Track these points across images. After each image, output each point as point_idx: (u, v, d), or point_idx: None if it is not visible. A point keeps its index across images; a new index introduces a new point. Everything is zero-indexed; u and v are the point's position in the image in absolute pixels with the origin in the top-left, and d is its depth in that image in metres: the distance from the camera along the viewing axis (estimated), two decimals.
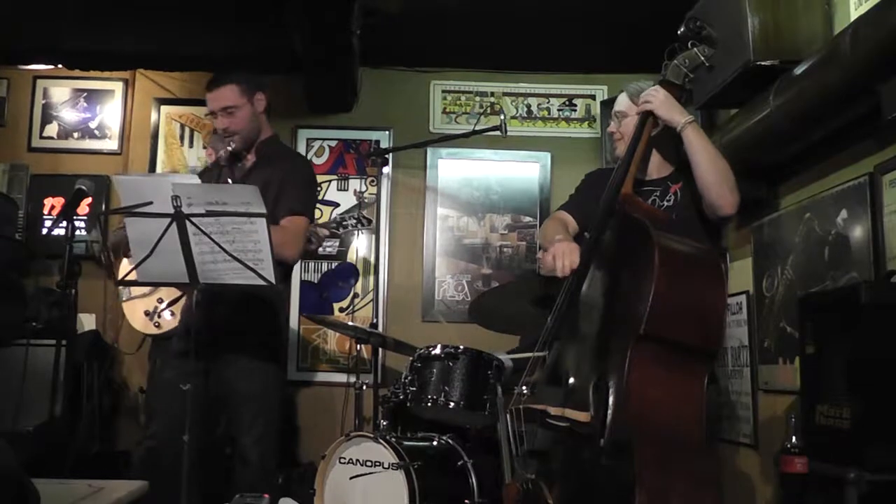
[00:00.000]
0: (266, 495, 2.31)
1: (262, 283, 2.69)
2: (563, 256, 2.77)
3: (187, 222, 2.64)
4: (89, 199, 4.71)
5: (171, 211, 2.65)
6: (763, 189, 3.99)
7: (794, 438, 1.98)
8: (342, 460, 3.94)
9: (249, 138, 3.59)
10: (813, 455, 2.08)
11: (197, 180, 2.68)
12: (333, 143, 5.66)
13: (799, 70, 3.29)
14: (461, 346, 4.03)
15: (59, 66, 5.35)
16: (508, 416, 2.76)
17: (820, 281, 3.51)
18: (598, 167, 4.52)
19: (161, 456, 3.22)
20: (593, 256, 2.77)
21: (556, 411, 2.57)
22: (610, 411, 2.41)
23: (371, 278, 5.50)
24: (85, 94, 5.61)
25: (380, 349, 4.93)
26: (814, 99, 3.22)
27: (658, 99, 2.85)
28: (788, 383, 3.64)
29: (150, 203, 2.64)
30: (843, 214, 3.40)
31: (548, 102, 5.69)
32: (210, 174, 3.66)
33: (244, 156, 3.60)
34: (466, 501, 3.86)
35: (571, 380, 2.70)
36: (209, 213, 2.62)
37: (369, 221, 4.86)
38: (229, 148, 4.06)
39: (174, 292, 4.16)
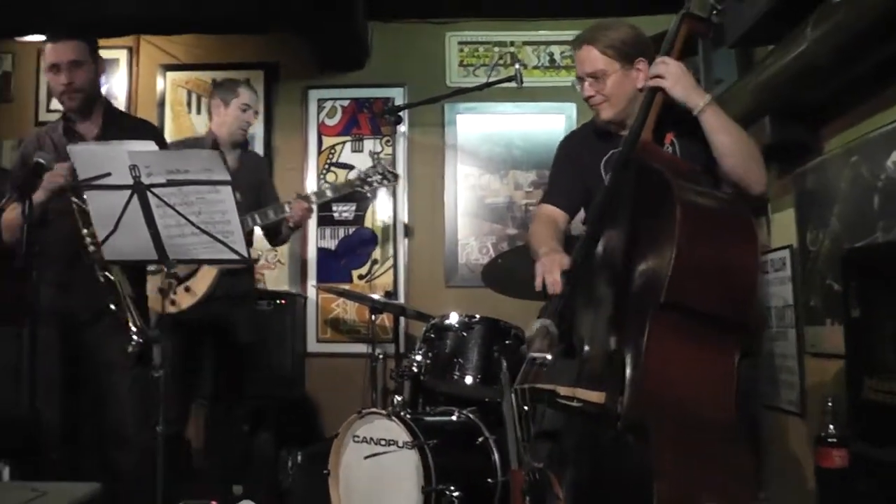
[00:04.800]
0: (213, 502, 2.07)
1: (234, 256, 2.43)
2: (544, 274, 2.57)
3: (149, 193, 2.39)
4: None
5: (131, 182, 2.40)
6: (804, 132, 3.63)
7: (830, 427, 1.66)
8: (356, 439, 3.73)
9: (91, 99, 3.35)
10: (860, 436, 1.77)
11: (155, 147, 2.42)
12: (346, 103, 5.38)
13: None
14: (477, 315, 3.77)
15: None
16: (514, 396, 2.48)
17: (869, 233, 3.16)
18: None
19: None
20: (607, 217, 2.48)
21: (566, 391, 2.28)
22: (626, 391, 2.13)
23: (391, 243, 5.24)
24: None
25: (401, 317, 4.69)
26: (856, 27, 2.86)
27: (672, 74, 2.51)
28: (837, 347, 3.28)
29: (109, 174, 2.39)
30: (893, 157, 3.04)
31: (571, 50, 5.32)
32: (51, 136, 3.38)
33: (76, 120, 3.36)
34: (489, 480, 3.62)
35: (586, 348, 2.42)
36: (171, 183, 2.37)
37: (396, 177, 4.42)
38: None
39: (190, 268, 3.96)
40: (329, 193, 4.27)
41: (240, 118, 4.26)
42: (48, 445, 3.23)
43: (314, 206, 4.20)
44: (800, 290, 3.79)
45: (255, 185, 4.30)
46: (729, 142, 2.49)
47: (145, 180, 2.41)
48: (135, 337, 2.79)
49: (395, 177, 4.42)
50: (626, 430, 2.09)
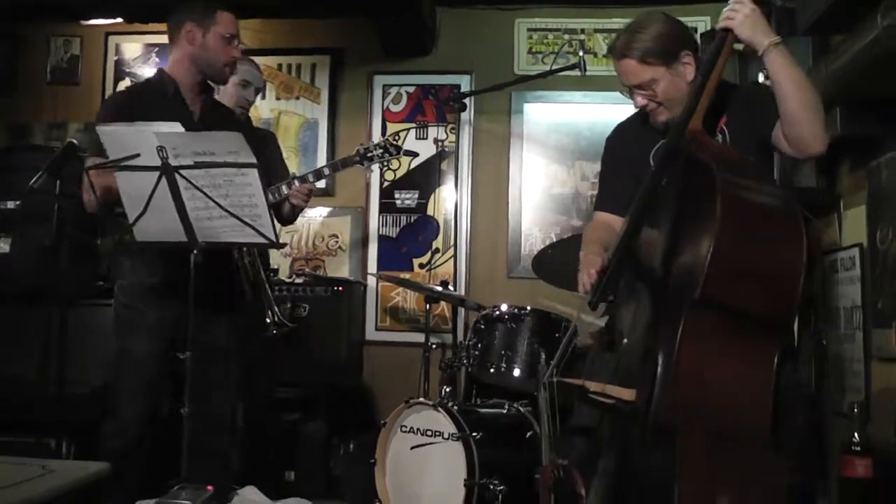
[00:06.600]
0: (210, 487, 2.03)
1: (262, 240, 2.41)
2: (581, 272, 2.51)
3: (177, 175, 2.38)
4: None
5: (159, 163, 2.39)
6: (876, 125, 3.44)
7: (855, 435, 1.54)
8: (403, 429, 3.70)
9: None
10: None
11: (181, 128, 2.39)
12: (411, 90, 5.32)
13: None
14: (528, 307, 3.69)
15: (119, 19, 5.18)
16: (544, 389, 2.40)
17: None
18: None
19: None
20: (651, 208, 2.38)
21: (595, 387, 2.20)
22: (656, 389, 2.03)
23: (452, 232, 5.18)
24: (157, 49, 5.43)
25: (460, 307, 4.62)
26: None
27: (743, 13, 2.37)
28: None
29: (138, 155, 2.39)
30: None
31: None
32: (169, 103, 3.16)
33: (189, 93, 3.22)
34: (537, 476, 3.53)
35: (625, 341, 2.34)
36: (198, 165, 2.35)
37: (398, 150, 4.01)
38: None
39: None
40: (326, 171, 4.07)
41: (237, 95, 4.00)
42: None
43: (314, 186, 4.03)
44: (869, 292, 3.60)
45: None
46: (791, 86, 2.34)
47: (173, 162, 2.40)
48: (274, 327, 2.70)
49: (398, 150, 4.02)
50: (654, 429, 2.00)
